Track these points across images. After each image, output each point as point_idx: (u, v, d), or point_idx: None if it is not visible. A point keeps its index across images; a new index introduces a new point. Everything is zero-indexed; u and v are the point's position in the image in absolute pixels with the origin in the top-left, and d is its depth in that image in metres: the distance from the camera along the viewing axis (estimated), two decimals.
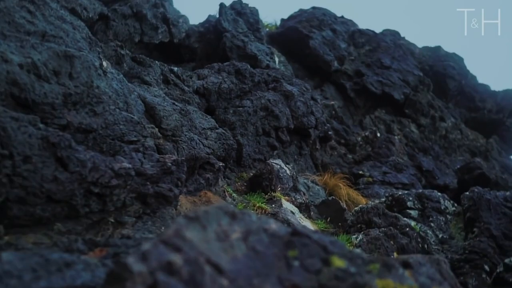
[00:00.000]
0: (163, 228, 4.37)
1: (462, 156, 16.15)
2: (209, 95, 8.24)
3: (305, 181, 8.54)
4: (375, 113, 15.39)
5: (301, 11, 16.06)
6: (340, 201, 6.92)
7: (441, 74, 17.38)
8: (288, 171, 7.24)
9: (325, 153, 12.39)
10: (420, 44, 18.27)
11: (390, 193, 9.54)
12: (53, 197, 3.41)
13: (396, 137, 14.56)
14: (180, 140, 5.72)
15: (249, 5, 13.26)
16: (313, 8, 16.37)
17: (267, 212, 5.85)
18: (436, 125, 16.11)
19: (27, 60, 3.98)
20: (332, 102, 14.51)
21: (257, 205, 5.93)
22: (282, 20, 16.22)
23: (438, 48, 18.59)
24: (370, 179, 11.29)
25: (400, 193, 9.29)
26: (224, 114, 8.10)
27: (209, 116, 7.22)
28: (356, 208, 6.50)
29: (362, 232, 5.71)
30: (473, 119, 18.00)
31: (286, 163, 9.38)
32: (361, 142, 13.97)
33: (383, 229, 5.60)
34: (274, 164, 7.14)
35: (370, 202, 8.25)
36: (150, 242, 1.89)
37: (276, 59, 13.00)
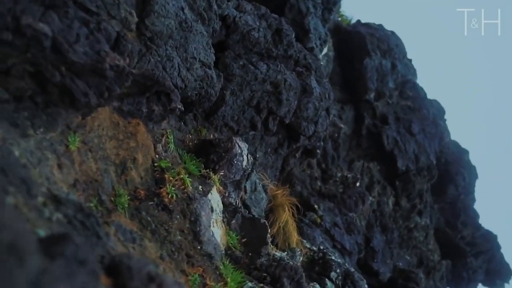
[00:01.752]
0: (40, 130, 3.16)
1: (410, 257, 15.20)
2: (233, 32, 6.93)
3: (257, 181, 7.36)
4: (370, 163, 14.22)
5: (380, 27, 14.67)
6: (269, 231, 5.78)
7: (449, 176, 16.27)
8: (245, 163, 6.04)
9: (299, 165, 11.26)
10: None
11: (325, 250, 8.49)
12: None
13: (370, 198, 13.46)
14: (154, 51, 4.44)
15: None
16: (392, 33, 14.98)
17: (185, 190, 4.66)
18: (411, 215, 15.07)
19: None
20: (342, 126, 13.28)
21: (182, 176, 4.72)
22: (358, 21, 14.83)
23: (466, 151, 17.43)
24: (318, 220, 10.19)
25: (332, 257, 8.24)
26: (232, 60, 6.81)
27: (213, 50, 5.93)
28: (277, 254, 5.36)
29: (262, 286, 4.58)
30: (443, 233, 17.02)
31: (255, 151, 8.20)
32: (337, 179, 12.87)
33: None
34: (237, 145, 5.94)
35: (298, 249, 7.17)
36: None
37: (325, 50, 11.65)
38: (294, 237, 8.03)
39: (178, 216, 4.41)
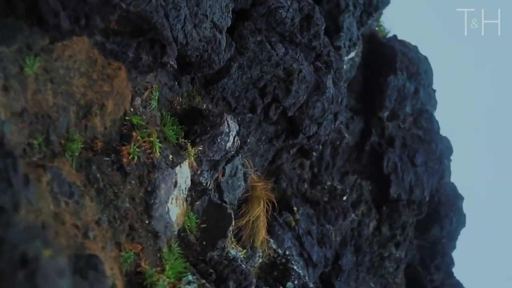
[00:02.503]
0: None
1: (374, 285, 14.76)
2: (260, 4, 6.36)
3: (239, 166, 6.84)
4: (363, 181, 13.69)
5: (414, 49, 14.06)
6: (233, 223, 5.28)
7: (438, 216, 15.81)
8: (229, 144, 5.52)
9: (291, 162, 10.73)
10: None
11: (289, 257, 8.01)
12: None
13: (353, 215, 12.96)
14: None
15: None
16: (425, 58, 14.36)
17: (151, 156, 4.13)
18: (388, 244, 14.61)
19: None
20: (346, 135, 12.71)
21: (152, 138, 4.18)
22: (394, 36, 14.24)
23: (461, 197, 16.93)
24: (293, 224, 9.69)
25: (294, 267, 7.78)
26: (250, 33, 6.25)
27: (231, 16, 5.37)
28: (232, 252, 4.87)
29: (203, 283, 4.08)
30: (414, 271, 16.61)
31: (248, 135, 7.67)
32: (325, 187, 12.36)
33: None
34: (227, 123, 5.41)
35: (261, 250, 6.69)
36: None
37: (352, 54, 11.05)
38: (261, 235, 7.53)
39: (133, 181, 3.89)
